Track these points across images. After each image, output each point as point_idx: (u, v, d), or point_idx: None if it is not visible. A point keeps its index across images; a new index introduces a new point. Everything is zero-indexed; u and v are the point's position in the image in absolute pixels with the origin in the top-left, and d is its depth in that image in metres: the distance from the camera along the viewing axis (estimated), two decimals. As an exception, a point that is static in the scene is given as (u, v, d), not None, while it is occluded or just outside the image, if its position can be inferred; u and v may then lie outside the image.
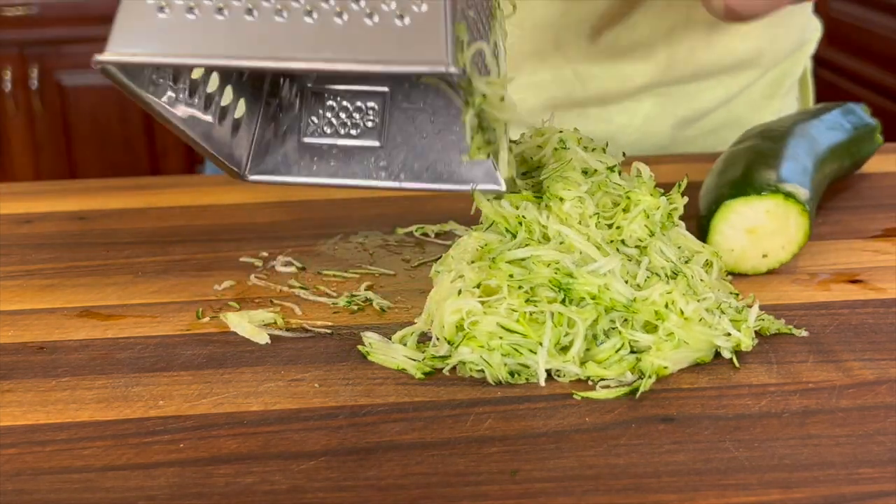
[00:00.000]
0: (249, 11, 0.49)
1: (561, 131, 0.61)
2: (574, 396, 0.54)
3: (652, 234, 0.58)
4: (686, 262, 0.59)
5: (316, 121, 0.64)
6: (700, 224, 0.66)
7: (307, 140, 0.64)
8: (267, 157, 0.64)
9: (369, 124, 0.63)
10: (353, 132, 0.63)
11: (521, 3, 0.84)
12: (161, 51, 0.49)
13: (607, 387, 0.55)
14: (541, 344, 0.55)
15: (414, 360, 0.57)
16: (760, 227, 0.65)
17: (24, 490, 0.48)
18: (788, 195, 0.65)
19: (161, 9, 0.49)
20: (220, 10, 0.49)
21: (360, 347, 0.59)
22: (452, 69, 0.48)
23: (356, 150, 0.64)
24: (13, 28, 2.38)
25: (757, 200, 0.65)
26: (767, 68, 0.97)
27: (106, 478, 0.48)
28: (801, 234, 0.66)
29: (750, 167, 0.67)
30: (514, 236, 0.58)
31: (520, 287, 0.56)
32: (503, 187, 0.59)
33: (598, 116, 0.93)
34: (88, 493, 0.47)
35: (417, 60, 0.48)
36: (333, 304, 0.65)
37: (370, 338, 0.59)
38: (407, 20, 0.48)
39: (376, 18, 0.49)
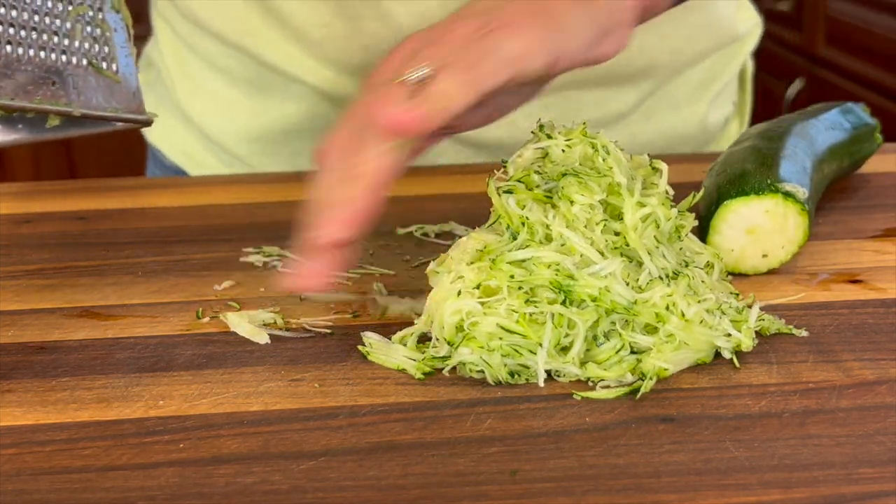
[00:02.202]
0: None
1: (594, 138, 0.60)
2: (574, 396, 0.54)
3: (659, 245, 0.58)
4: (686, 265, 0.59)
5: None
6: (699, 224, 0.66)
7: None
8: None
9: None
10: None
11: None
12: None
13: (607, 387, 0.55)
14: (541, 345, 0.55)
15: (414, 359, 0.57)
16: (760, 227, 0.65)
17: (24, 490, 0.48)
18: (787, 195, 0.65)
19: None
20: None
21: (360, 347, 0.59)
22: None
23: None
24: (13, 28, 2.38)
25: (756, 200, 0.65)
26: (682, 70, 0.93)
27: (106, 478, 0.48)
28: (801, 233, 0.66)
29: (748, 167, 0.67)
30: (516, 237, 0.58)
31: (520, 288, 0.56)
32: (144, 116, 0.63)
33: (501, 122, 0.92)
34: (88, 493, 0.47)
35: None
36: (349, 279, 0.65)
37: (370, 338, 0.59)
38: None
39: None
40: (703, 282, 0.59)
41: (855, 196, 0.80)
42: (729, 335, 0.57)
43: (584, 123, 0.61)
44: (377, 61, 0.61)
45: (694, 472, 0.48)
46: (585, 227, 0.57)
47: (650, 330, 0.56)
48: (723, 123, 1.00)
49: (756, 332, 0.59)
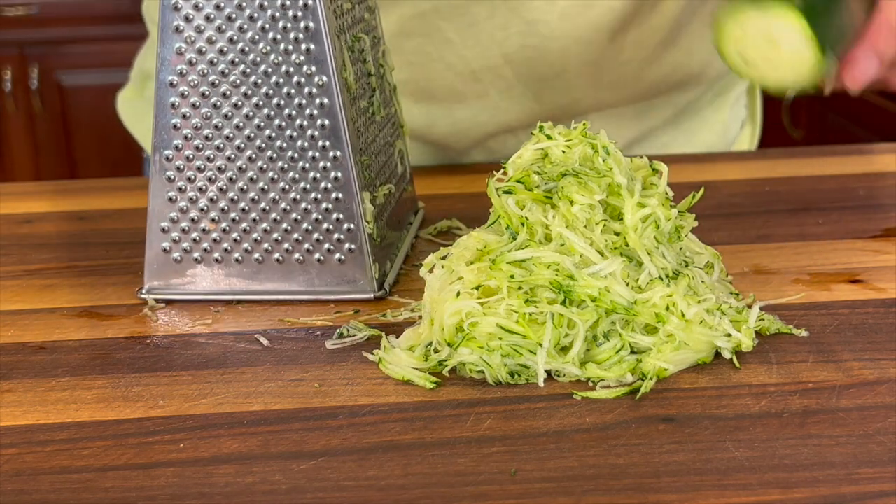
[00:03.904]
0: (238, 260, 0.65)
1: (594, 138, 0.60)
2: (574, 396, 0.54)
3: (659, 245, 0.58)
4: (686, 265, 0.59)
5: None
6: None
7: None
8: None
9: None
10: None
11: (480, 37, 0.85)
12: (183, 290, 0.66)
13: (607, 387, 0.55)
14: (541, 345, 0.55)
15: (422, 370, 0.56)
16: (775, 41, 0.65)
17: (24, 490, 0.48)
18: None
19: (177, 260, 0.65)
20: (217, 261, 0.65)
21: (374, 352, 0.58)
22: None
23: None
24: (13, 28, 2.38)
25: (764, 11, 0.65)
26: (713, 81, 0.97)
27: (106, 478, 0.48)
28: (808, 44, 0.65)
29: None
30: (516, 237, 0.58)
31: (519, 288, 0.55)
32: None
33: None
34: (88, 493, 0.47)
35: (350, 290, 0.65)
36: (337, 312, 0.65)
37: (382, 344, 0.58)
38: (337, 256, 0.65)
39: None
40: (703, 282, 0.59)
41: (855, 196, 0.80)
42: (729, 335, 0.57)
43: (584, 124, 0.61)
44: None
45: (694, 472, 0.48)
46: (585, 227, 0.57)
47: (650, 330, 0.56)
48: (740, 128, 1.04)
49: (756, 332, 0.59)
